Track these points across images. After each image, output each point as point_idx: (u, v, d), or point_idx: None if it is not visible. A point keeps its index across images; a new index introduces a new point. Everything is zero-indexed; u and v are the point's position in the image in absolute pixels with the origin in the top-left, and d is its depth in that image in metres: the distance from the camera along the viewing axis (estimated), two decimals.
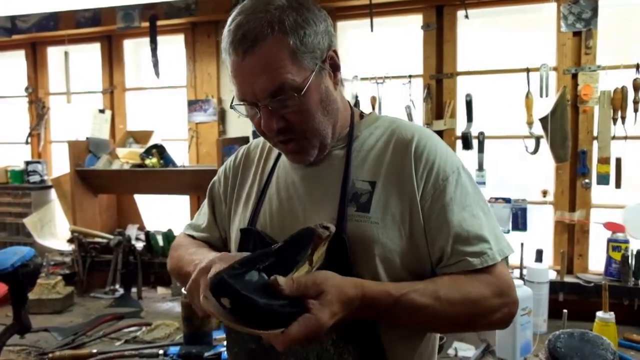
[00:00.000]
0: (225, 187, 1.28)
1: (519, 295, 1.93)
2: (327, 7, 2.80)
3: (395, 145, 1.08)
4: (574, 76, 2.52)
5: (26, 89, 3.77)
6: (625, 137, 2.43)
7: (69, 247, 3.14)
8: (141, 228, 3.40)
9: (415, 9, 2.82)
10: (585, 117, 2.52)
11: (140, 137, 3.39)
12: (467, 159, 2.67)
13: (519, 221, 2.59)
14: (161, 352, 2.03)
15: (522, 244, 2.47)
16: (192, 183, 3.02)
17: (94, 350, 2.08)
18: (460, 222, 1.01)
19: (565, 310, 1.95)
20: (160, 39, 3.29)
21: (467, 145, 2.68)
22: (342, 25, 3.02)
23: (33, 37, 3.61)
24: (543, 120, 2.50)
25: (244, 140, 2.95)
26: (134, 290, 2.89)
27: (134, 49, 3.65)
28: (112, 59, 3.58)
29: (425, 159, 1.05)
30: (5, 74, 4.10)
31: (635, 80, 2.38)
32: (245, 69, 0.98)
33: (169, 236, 2.92)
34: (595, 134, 2.50)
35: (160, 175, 3.05)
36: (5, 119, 4.00)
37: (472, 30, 2.78)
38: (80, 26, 3.40)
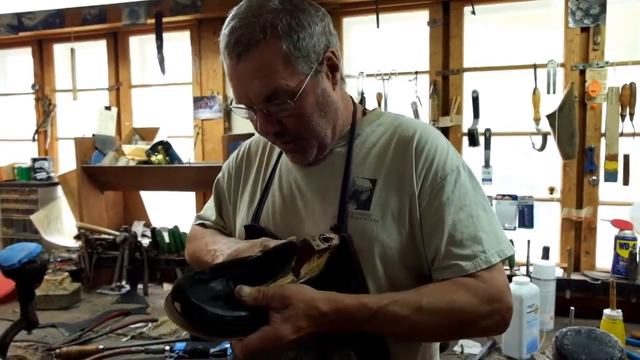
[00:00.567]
0: (229, 184, 1.29)
1: (525, 292, 1.95)
2: (332, 4, 2.81)
3: (397, 142, 1.08)
4: (582, 72, 2.50)
5: (33, 86, 3.78)
6: (634, 134, 2.42)
7: (75, 244, 3.15)
8: (147, 224, 3.41)
9: (421, 4, 2.81)
10: (593, 113, 2.50)
11: (146, 133, 3.40)
12: (474, 155, 2.66)
13: (526, 218, 2.58)
14: (167, 348, 2.03)
15: (528, 241, 2.46)
16: (198, 180, 3.02)
17: (101, 346, 2.08)
18: (455, 222, 1.00)
19: (572, 308, 1.94)
20: (166, 35, 3.29)
21: (473, 142, 2.67)
22: (347, 21, 3.01)
23: (39, 34, 3.62)
24: (550, 117, 2.48)
25: (249, 136, 2.92)
26: (140, 286, 2.90)
27: (140, 46, 3.66)
28: (117, 56, 3.59)
29: (425, 157, 1.04)
30: (12, 71, 4.12)
31: None
32: (240, 73, 0.99)
33: (174, 233, 2.92)
34: (603, 130, 2.49)
35: (166, 172, 3.06)
36: (12, 116, 4.02)
37: (478, 26, 2.76)
38: (86, 23, 3.40)
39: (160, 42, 3.27)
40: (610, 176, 2.46)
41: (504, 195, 2.59)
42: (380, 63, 2.85)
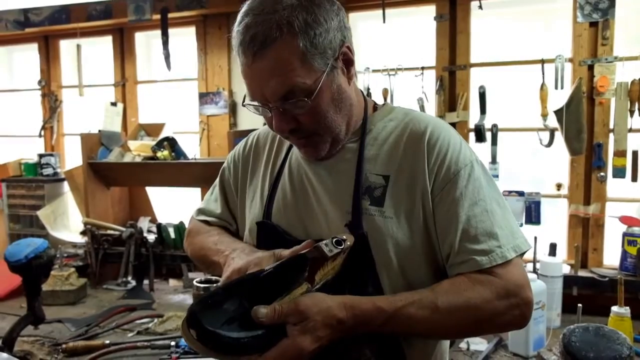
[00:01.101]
0: (235, 176, 1.27)
1: (532, 289, 1.93)
2: None
3: (409, 138, 1.06)
4: (590, 67, 2.48)
5: (39, 82, 3.79)
6: None
7: (81, 239, 3.17)
8: (153, 220, 3.41)
9: None
10: (601, 109, 2.48)
11: (152, 129, 3.40)
12: (480, 151, 2.64)
13: (533, 215, 2.56)
14: (173, 343, 2.03)
15: (535, 238, 2.44)
16: (204, 175, 3.02)
17: (107, 342, 2.09)
18: (469, 218, 0.99)
19: (580, 305, 1.92)
20: (172, 31, 3.29)
21: (480, 137, 2.65)
22: (353, 16, 2.99)
23: (45, 30, 3.62)
24: (558, 113, 2.46)
25: None
26: (145, 282, 2.90)
27: (146, 42, 3.66)
28: (123, 52, 3.59)
29: (438, 152, 1.03)
30: (18, 68, 4.14)
31: None
32: (255, 72, 0.96)
33: (180, 229, 2.93)
34: (611, 126, 2.46)
35: (171, 168, 3.06)
36: (19, 112, 4.03)
37: (485, 21, 2.74)
38: (92, 19, 3.40)
39: (165, 38, 3.27)
40: (619, 172, 2.44)
41: (510, 192, 2.58)
42: (386, 58, 2.84)
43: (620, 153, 2.43)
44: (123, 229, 3.01)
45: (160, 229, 2.98)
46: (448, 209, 1.00)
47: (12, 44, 3.93)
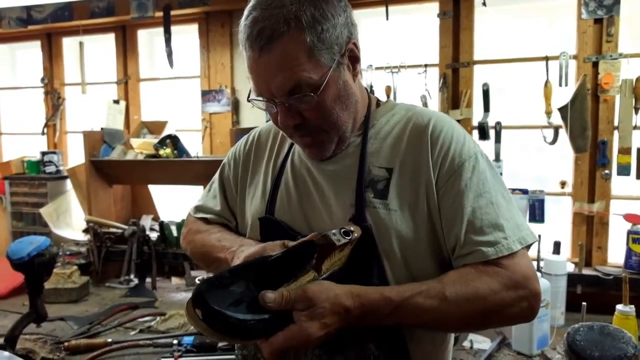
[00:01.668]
0: (236, 172, 1.26)
1: None
2: None
3: (412, 131, 1.06)
4: (595, 64, 2.46)
5: (42, 79, 3.80)
6: None
7: (84, 237, 3.16)
8: (155, 218, 3.41)
9: None
10: (606, 106, 2.46)
11: (154, 127, 3.40)
12: (484, 149, 2.62)
13: (537, 212, 2.55)
14: (175, 342, 2.02)
15: (539, 236, 2.42)
16: (206, 173, 2.99)
17: (109, 340, 2.09)
18: (474, 209, 0.98)
19: (584, 303, 1.91)
20: (174, 29, 3.28)
21: (483, 135, 2.64)
22: (357, 13, 2.92)
23: (48, 27, 3.62)
24: (562, 110, 2.45)
25: None
26: (148, 280, 2.90)
27: (148, 39, 3.66)
28: (126, 50, 3.59)
29: (441, 144, 1.02)
30: (21, 65, 4.14)
31: None
32: (262, 66, 0.96)
33: (182, 227, 2.92)
34: (616, 123, 2.45)
35: (174, 166, 3.05)
36: (22, 110, 4.04)
37: (489, 18, 2.72)
38: (94, 16, 3.40)
39: (168, 36, 3.26)
40: (623, 170, 2.43)
41: (514, 190, 2.56)
42: (389, 56, 2.82)
43: (624, 150, 2.42)
44: (125, 227, 3.01)
45: (163, 227, 2.97)
46: (453, 201, 1.00)
47: (15, 41, 3.93)
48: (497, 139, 2.63)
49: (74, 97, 3.81)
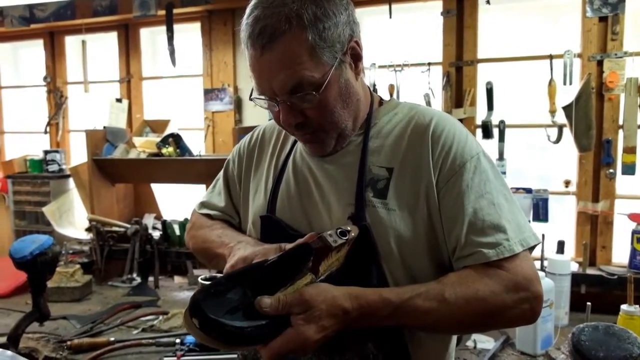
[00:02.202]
0: (240, 169, 1.26)
1: None
2: None
3: (413, 130, 1.05)
4: (600, 63, 2.45)
5: (44, 78, 3.79)
6: None
7: (87, 236, 3.16)
8: (158, 217, 3.41)
9: None
10: (610, 105, 2.45)
11: (157, 126, 3.39)
12: (488, 148, 2.61)
13: (540, 212, 2.53)
14: (178, 341, 2.02)
15: (543, 235, 2.42)
16: (209, 172, 2.99)
17: (112, 339, 2.09)
18: (475, 210, 0.97)
19: (588, 303, 1.90)
20: (177, 27, 3.28)
21: (487, 134, 2.63)
22: (360, 11, 2.93)
23: (51, 26, 3.62)
24: (566, 109, 2.44)
25: None
26: (151, 279, 2.90)
27: (151, 38, 3.65)
28: (128, 48, 3.58)
29: (442, 144, 1.02)
30: (24, 64, 4.14)
31: None
32: (263, 64, 0.96)
33: (185, 225, 2.91)
34: (620, 122, 2.44)
35: (176, 165, 3.05)
36: (24, 109, 4.04)
37: (493, 16, 2.71)
38: (97, 15, 3.40)
39: (170, 34, 3.26)
40: (628, 169, 2.41)
41: (518, 189, 2.55)
42: (392, 54, 2.81)
43: (629, 149, 2.40)
44: (128, 225, 3.01)
45: (165, 225, 2.97)
46: (454, 202, 0.99)
47: (17, 40, 3.93)
48: (501, 138, 2.62)
49: (77, 95, 3.80)
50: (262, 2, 0.96)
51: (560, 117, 2.48)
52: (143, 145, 3.19)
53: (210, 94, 3.30)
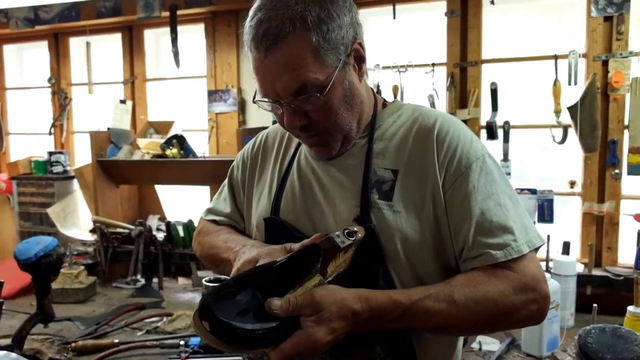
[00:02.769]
0: (244, 174, 1.26)
1: None
2: None
3: (418, 132, 1.05)
4: (605, 63, 2.44)
5: (49, 79, 3.80)
6: None
7: (91, 237, 3.17)
8: (162, 218, 3.41)
9: None
10: (616, 105, 2.43)
11: (161, 127, 3.40)
12: (492, 149, 2.60)
13: (545, 213, 2.52)
14: (182, 342, 2.02)
15: (548, 236, 2.41)
16: (213, 173, 3.01)
17: (116, 340, 2.09)
18: (483, 211, 0.97)
19: (595, 305, 1.89)
20: (180, 28, 3.28)
21: (491, 134, 2.62)
22: (363, 12, 2.96)
23: (55, 27, 3.63)
24: (571, 109, 2.42)
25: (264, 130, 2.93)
26: (155, 280, 2.90)
27: (155, 39, 3.66)
28: (132, 49, 3.59)
29: (447, 146, 1.01)
30: (28, 65, 4.15)
31: None
32: (267, 67, 0.95)
33: (189, 227, 2.92)
34: (626, 122, 2.42)
35: (180, 166, 3.05)
36: (29, 110, 4.05)
37: (497, 17, 2.70)
38: (101, 16, 3.41)
39: (174, 35, 3.26)
40: (634, 169, 2.40)
41: (523, 189, 2.54)
42: (396, 55, 2.81)
43: (635, 150, 2.39)
44: (132, 227, 3.01)
45: (170, 227, 2.97)
46: (461, 203, 0.98)
47: (22, 41, 3.95)
48: (506, 139, 2.61)
49: (81, 97, 3.81)
50: (265, 4, 0.95)
51: (565, 118, 2.47)
52: (147, 147, 3.19)
53: (214, 95, 3.30)
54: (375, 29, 3.00)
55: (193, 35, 3.38)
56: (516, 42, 2.68)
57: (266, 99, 1.00)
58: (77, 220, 3.44)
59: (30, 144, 4.01)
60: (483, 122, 2.68)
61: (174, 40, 3.27)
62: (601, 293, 2.33)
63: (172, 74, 3.47)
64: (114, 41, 3.63)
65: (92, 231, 3.09)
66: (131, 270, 2.96)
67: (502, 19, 2.72)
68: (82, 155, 3.76)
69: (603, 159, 2.48)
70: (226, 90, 3.27)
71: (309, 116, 0.99)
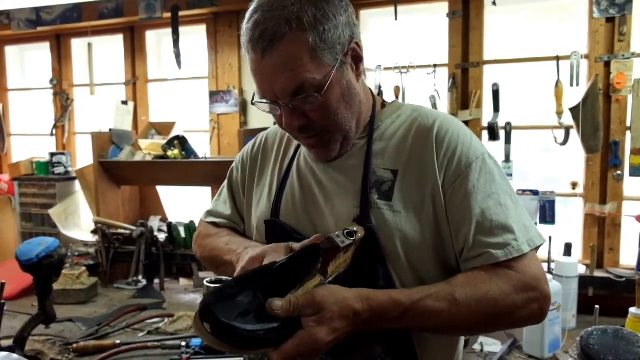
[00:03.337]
0: (243, 176, 1.27)
1: None
2: None
3: (417, 132, 1.05)
4: (607, 64, 2.44)
5: (51, 81, 3.81)
6: None
7: (92, 238, 3.17)
8: (163, 219, 3.41)
9: None
10: (618, 106, 2.43)
11: (162, 128, 3.40)
12: (494, 150, 2.61)
13: (547, 214, 2.52)
14: (183, 343, 2.02)
15: (550, 238, 2.40)
16: (214, 174, 3.01)
17: (118, 341, 2.08)
18: (483, 210, 0.97)
19: (597, 306, 1.89)
20: (182, 29, 3.28)
21: (493, 136, 2.62)
22: (365, 13, 2.96)
23: (57, 29, 3.64)
24: (574, 110, 2.42)
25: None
26: (156, 281, 2.90)
27: (156, 40, 3.66)
28: (134, 51, 3.59)
29: (447, 146, 1.02)
30: (30, 66, 4.16)
31: None
32: (265, 68, 0.96)
33: (190, 228, 2.92)
34: (628, 124, 2.42)
35: (182, 167, 3.05)
36: (31, 111, 4.05)
37: (499, 17, 2.70)
38: (103, 17, 3.41)
39: (176, 36, 3.27)
40: (636, 171, 2.40)
41: (524, 191, 2.54)
42: (398, 56, 2.81)
43: (637, 151, 2.39)
44: (134, 228, 3.01)
45: (171, 228, 2.97)
46: (461, 202, 0.99)
47: (24, 42, 3.95)
48: (507, 140, 2.61)
49: (83, 98, 3.82)
50: (262, 6, 0.96)
51: (567, 119, 2.47)
52: (149, 148, 3.20)
53: (215, 96, 3.31)
54: (377, 30, 3.00)
55: (195, 37, 3.38)
56: (518, 43, 2.68)
57: (264, 100, 1.01)
58: (79, 221, 3.44)
59: (32, 145, 4.02)
60: (485, 123, 2.68)
61: (176, 41, 3.27)
62: (603, 294, 2.32)
63: (174, 75, 3.48)
64: (116, 42, 3.64)
65: (94, 232, 3.09)
66: (132, 271, 2.96)
67: (504, 20, 2.72)
68: (83, 156, 3.76)
69: (605, 160, 2.48)
70: (228, 91, 3.27)
71: (307, 116, 1.00)
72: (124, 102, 3.52)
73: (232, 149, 3.25)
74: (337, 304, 0.86)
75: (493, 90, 2.61)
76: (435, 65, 2.74)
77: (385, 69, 2.82)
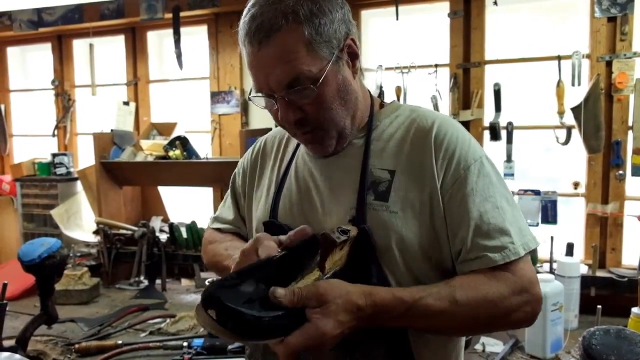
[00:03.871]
0: (244, 181, 1.28)
1: (549, 290, 1.90)
2: None
3: (415, 133, 1.05)
4: (608, 64, 2.43)
5: (52, 81, 3.81)
6: None
7: (94, 239, 3.17)
8: (165, 220, 3.41)
9: None
10: (619, 106, 2.43)
11: (164, 129, 3.40)
12: (495, 150, 2.61)
13: (549, 214, 2.52)
14: (185, 344, 2.02)
15: (552, 238, 2.40)
16: (215, 175, 3.01)
17: (119, 342, 2.09)
18: (481, 213, 0.98)
19: (599, 306, 1.88)
20: (183, 30, 3.29)
21: (495, 136, 2.62)
22: (366, 13, 2.96)
23: (59, 29, 3.64)
24: (575, 110, 2.42)
25: (267, 131, 2.91)
26: (158, 281, 2.90)
27: (158, 41, 3.66)
28: (135, 51, 3.60)
29: (446, 148, 1.02)
30: (32, 67, 4.17)
31: None
32: (261, 60, 0.97)
33: (192, 228, 2.92)
34: (630, 123, 2.42)
35: (183, 167, 3.06)
36: (33, 112, 4.06)
37: (500, 17, 2.70)
38: (104, 18, 3.42)
39: (177, 37, 3.27)
40: (638, 170, 2.39)
41: (526, 191, 2.54)
42: (399, 56, 2.80)
43: (639, 151, 2.38)
44: (135, 228, 3.02)
45: (173, 228, 2.97)
46: (459, 205, 0.99)
47: (25, 43, 3.96)
48: (509, 140, 2.61)
49: (84, 98, 3.82)
50: (259, 1, 0.98)
51: (569, 119, 2.47)
52: (150, 148, 3.20)
53: (217, 96, 3.31)
54: (378, 30, 3.00)
55: (196, 37, 3.38)
56: (519, 42, 2.67)
57: (260, 94, 1.01)
58: (81, 221, 3.45)
59: (33, 145, 4.02)
60: (486, 123, 2.67)
61: (177, 41, 3.27)
62: (605, 294, 2.32)
63: (175, 75, 3.48)
64: (117, 43, 3.64)
65: (96, 232, 3.09)
66: (134, 271, 2.96)
67: (506, 19, 2.72)
68: (85, 156, 3.76)
69: (607, 160, 2.47)
70: (229, 91, 3.27)
71: (303, 110, 1.00)
72: (126, 103, 3.52)
73: (233, 149, 3.25)
74: (341, 297, 0.86)
75: (494, 90, 2.61)
76: (436, 65, 2.74)
77: (387, 69, 2.81)
